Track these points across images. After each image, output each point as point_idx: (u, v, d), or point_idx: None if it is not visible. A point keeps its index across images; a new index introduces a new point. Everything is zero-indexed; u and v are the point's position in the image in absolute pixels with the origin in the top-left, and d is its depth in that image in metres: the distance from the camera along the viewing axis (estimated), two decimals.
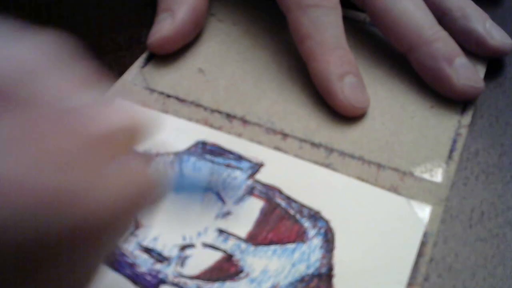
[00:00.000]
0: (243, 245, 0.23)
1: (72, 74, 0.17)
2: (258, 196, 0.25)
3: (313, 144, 0.27)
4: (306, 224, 0.24)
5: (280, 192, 0.25)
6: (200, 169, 0.26)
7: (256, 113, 0.28)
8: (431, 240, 0.24)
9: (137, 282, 0.22)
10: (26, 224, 0.14)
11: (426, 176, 0.26)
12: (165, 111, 0.29)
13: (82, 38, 0.32)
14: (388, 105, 0.29)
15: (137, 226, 0.24)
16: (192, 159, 0.26)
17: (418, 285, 0.22)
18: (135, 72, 0.31)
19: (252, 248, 0.23)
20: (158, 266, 0.23)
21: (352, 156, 0.27)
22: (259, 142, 0.27)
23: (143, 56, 0.32)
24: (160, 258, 0.23)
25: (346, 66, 0.28)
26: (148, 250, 0.23)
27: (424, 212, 0.24)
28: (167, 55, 0.31)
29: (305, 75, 0.30)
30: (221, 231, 0.24)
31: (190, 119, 0.28)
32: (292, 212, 0.24)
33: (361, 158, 0.26)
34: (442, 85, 0.29)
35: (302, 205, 0.25)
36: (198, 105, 0.29)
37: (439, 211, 0.25)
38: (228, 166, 0.26)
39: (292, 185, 0.25)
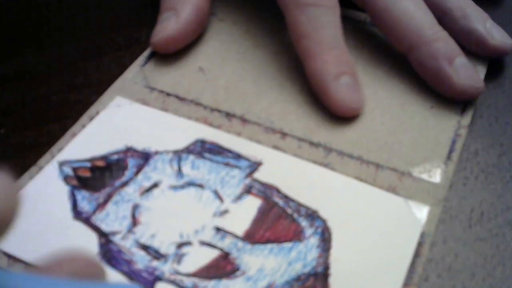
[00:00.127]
0: (240, 244, 0.23)
1: None
2: (256, 195, 0.25)
3: (312, 144, 0.27)
4: (303, 223, 0.24)
5: (278, 191, 0.25)
6: (199, 167, 0.26)
7: (256, 112, 0.28)
8: (428, 241, 0.24)
9: (133, 278, 0.22)
10: None
11: (425, 176, 0.26)
12: (165, 110, 0.29)
13: (82, 38, 0.33)
14: (388, 105, 0.29)
15: (135, 223, 0.24)
16: (191, 157, 0.26)
17: (414, 285, 0.22)
18: (135, 70, 0.31)
19: (249, 246, 0.23)
20: (155, 263, 0.23)
21: (350, 156, 0.27)
22: (258, 141, 0.27)
23: (144, 55, 0.32)
24: (157, 255, 0.23)
25: (342, 66, 0.28)
26: (145, 247, 0.23)
27: (421, 212, 0.24)
28: (168, 54, 0.31)
29: (304, 75, 0.30)
30: (218, 229, 0.24)
31: (189, 117, 0.28)
32: (289, 211, 0.24)
33: (359, 158, 0.26)
34: (442, 84, 0.29)
35: (300, 204, 0.25)
36: (197, 104, 0.29)
37: (437, 211, 0.25)
38: (226, 164, 0.26)
39: (290, 184, 0.25)
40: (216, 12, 0.34)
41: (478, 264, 0.23)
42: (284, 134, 0.27)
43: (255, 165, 0.26)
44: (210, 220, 0.24)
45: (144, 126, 0.28)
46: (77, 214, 0.24)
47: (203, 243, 0.23)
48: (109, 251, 0.23)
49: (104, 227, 0.24)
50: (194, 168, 0.26)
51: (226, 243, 0.23)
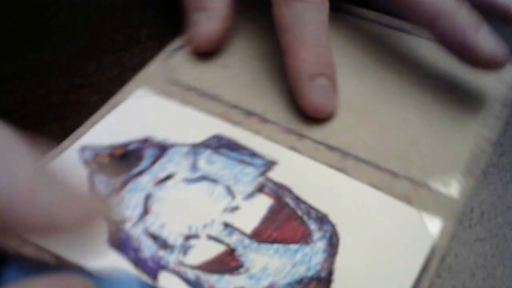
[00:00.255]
0: (247, 241, 0.23)
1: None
2: (268, 194, 0.25)
3: (329, 147, 0.27)
4: (312, 226, 0.24)
5: (290, 191, 0.25)
6: (214, 162, 0.26)
7: (275, 112, 0.28)
8: (438, 255, 0.23)
9: (139, 266, 0.22)
10: None
11: (442, 189, 0.25)
12: (186, 103, 0.29)
13: (82, 38, 0.33)
14: (411, 113, 0.29)
15: (146, 212, 0.24)
16: (207, 152, 0.27)
17: None
18: (160, 63, 0.31)
19: (255, 244, 0.23)
20: (161, 252, 0.23)
21: (367, 162, 0.26)
22: (275, 141, 0.27)
23: (170, 48, 0.32)
24: (164, 245, 0.23)
25: (320, 66, 0.28)
26: (153, 237, 0.23)
27: (434, 225, 0.24)
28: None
29: None
30: (226, 225, 0.24)
31: (209, 112, 0.28)
32: (299, 213, 0.24)
33: (376, 165, 0.26)
34: (468, 55, 0.28)
35: (311, 207, 0.24)
36: (218, 100, 0.29)
37: (450, 225, 0.24)
38: (241, 161, 0.26)
39: (302, 185, 0.25)
40: (249, 8, 0.34)
41: (478, 264, 0.23)
42: (301, 136, 0.27)
43: (269, 164, 0.26)
44: (220, 215, 0.24)
45: (163, 118, 0.28)
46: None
47: (211, 237, 0.23)
48: (118, 238, 0.23)
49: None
50: (209, 163, 0.26)
51: (233, 239, 0.23)
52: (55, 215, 0.16)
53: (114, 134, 0.27)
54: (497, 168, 0.27)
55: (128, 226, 0.24)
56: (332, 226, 0.24)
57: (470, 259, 0.23)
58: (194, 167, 0.26)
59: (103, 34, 0.33)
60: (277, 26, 0.29)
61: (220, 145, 0.27)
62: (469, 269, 0.23)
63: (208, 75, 0.30)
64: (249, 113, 0.28)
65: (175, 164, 0.26)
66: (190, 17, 0.31)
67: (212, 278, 0.22)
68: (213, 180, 0.25)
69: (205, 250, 0.23)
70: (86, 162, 0.26)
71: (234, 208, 0.24)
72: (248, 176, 0.26)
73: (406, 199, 0.25)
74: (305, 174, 0.26)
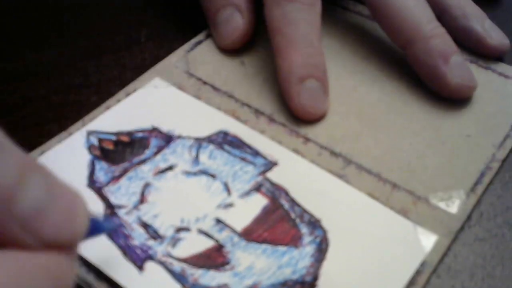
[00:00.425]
0: (236, 239, 0.23)
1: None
2: (264, 194, 0.25)
3: (333, 153, 0.27)
4: (304, 230, 0.24)
5: (286, 193, 0.25)
6: (216, 157, 0.26)
7: (284, 114, 0.28)
8: (428, 271, 0.23)
9: (127, 253, 0.23)
10: None
11: (442, 205, 0.25)
12: (198, 97, 0.29)
13: (82, 38, 0.33)
14: (422, 127, 0.28)
15: (142, 201, 0.25)
16: (211, 146, 0.27)
17: None
18: (180, 55, 0.32)
19: (244, 243, 0.23)
20: (151, 242, 0.23)
21: (369, 172, 0.26)
22: (280, 142, 0.27)
23: (192, 41, 0.32)
24: (155, 235, 0.23)
25: (310, 68, 0.28)
26: (145, 226, 0.24)
27: (428, 240, 0.23)
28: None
29: (338, 82, 0.30)
30: (218, 221, 0.24)
31: (219, 108, 0.29)
32: (293, 215, 0.24)
33: (377, 175, 0.26)
34: (436, 82, 0.28)
35: (305, 210, 0.24)
36: (230, 96, 0.29)
37: (445, 243, 0.23)
38: (243, 159, 0.26)
39: (299, 188, 0.25)
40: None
41: (477, 264, 0.23)
42: (307, 139, 0.27)
43: (270, 165, 0.26)
44: (213, 211, 0.24)
45: (173, 109, 0.28)
46: (92, 183, 0.25)
47: (201, 232, 0.24)
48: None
49: (113, 199, 0.25)
50: (211, 158, 0.26)
51: (223, 236, 0.23)
52: (35, 224, 0.16)
53: (123, 121, 0.28)
54: None
55: (122, 212, 0.24)
56: (324, 231, 0.24)
57: (470, 259, 0.23)
58: (195, 160, 0.26)
59: (103, 34, 0.33)
60: (268, 27, 0.29)
61: (224, 141, 0.27)
62: (468, 269, 0.23)
63: (223, 71, 0.31)
64: (258, 112, 0.28)
65: (178, 156, 0.26)
66: (215, 15, 0.31)
67: (197, 272, 0.22)
68: (212, 175, 0.26)
69: (194, 244, 0.23)
70: (90, 148, 0.27)
71: (229, 205, 0.25)
72: (247, 174, 0.26)
73: (403, 212, 0.24)
74: (304, 178, 0.25)
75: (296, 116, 0.28)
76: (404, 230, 0.24)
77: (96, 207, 0.24)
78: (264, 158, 0.26)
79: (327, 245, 0.23)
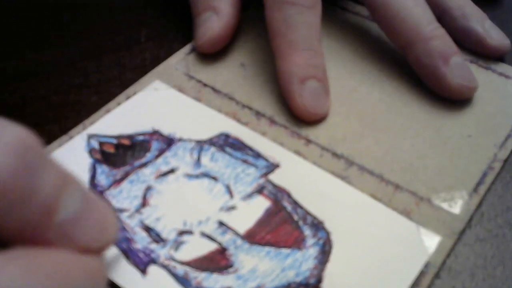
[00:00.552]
0: (239, 241, 0.23)
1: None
2: (267, 196, 0.25)
3: (334, 154, 0.27)
4: (307, 232, 0.24)
5: (288, 195, 0.25)
6: (217, 160, 0.26)
7: (286, 116, 0.28)
8: (432, 271, 0.23)
9: (130, 257, 0.23)
10: None
11: (444, 205, 0.25)
12: (199, 99, 0.29)
13: (82, 38, 0.33)
14: (423, 127, 0.28)
15: (144, 204, 0.25)
16: (212, 149, 0.27)
17: None
18: (180, 57, 0.31)
19: (247, 245, 0.23)
20: (153, 246, 0.23)
21: (371, 173, 0.26)
22: (281, 144, 0.27)
23: (192, 43, 0.32)
24: (157, 238, 0.23)
25: (311, 69, 0.28)
26: (148, 229, 0.24)
27: (432, 241, 0.23)
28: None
29: (338, 82, 0.30)
30: (221, 224, 0.24)
31: (220, 110, 0.29)
32: (296, 217, 0.24)
33: (379, 176, 0.26)
34: (436, 83, 0.28)
35: (307, 212, 0.24)
36: (231, 98, 0.29)
37: (448, 243, 0.23)
38: (244, 161, 0.26)
39: (302, 190, 0.25)
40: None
41: (478, 264, 0.23)
42: (308, 141, 0.27)
43: (272, 167, 0.26)
44: (216, 214, 0.24)
45: (174, 112, 0.28)
46: (93, 186, 0.25)
47: (204, 235, 0.23)
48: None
49: (115, 203, 0.25)
50: (212, 160, 0.26)
51: (226, 239, 0.23)
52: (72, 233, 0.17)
53: (124, 124, 0.28)
54: None
55: (124, 216, 0.24)
56: (327, 233, 0.24)
57: (470, 259, 0.23)
58: (197, 163, 0.26)
59: (103, 34, 0.33)
60: (269, 30, 0.29)
61: (226, 143, 0.27)
62: (469, 269, 0.23)
63: (224, 73, 0.31)
64: (259, 114, 0.28)
65: (179, 159, 0.26)
66: (196, 18, 0.31)
67: (200, 276, 0.22)
68: (214, 178, 0.25)
69: (196, 247, 0.23)
70: (91, 151, 0.26)
71: (231, 208, 0.24)
72: (249, 177, 0.26)
73: (406, 213, 0.24)
74: (306, 179, 0.25)
75: (298, 116, 0.28)
76: (407, 231, 0.24)
77: None
78: (266, 160, 0.26)
79: (330, 247, 0.23)
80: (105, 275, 0.18)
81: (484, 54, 0.31)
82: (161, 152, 0.27)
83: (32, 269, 0.15)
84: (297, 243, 0.23)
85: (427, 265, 0.23)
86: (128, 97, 0.29)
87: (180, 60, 0.31)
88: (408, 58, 0.29)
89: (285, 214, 0.24)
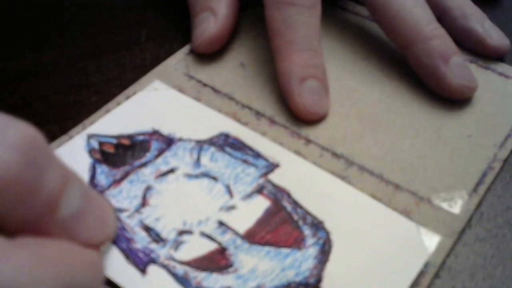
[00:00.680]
0: (239, 241, 0.23)
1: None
2: (266, 196, 0.25)
3: (334, 154, 0.27)
4: (307, 231, 0.24)
5: (288, 195, 0.25)
6: (217, 160, 0.26)
7: (286, 115, 0.28)
8: (432, 271, 0.23)
9: (129, 257, 0.23)
10: None
11: (444, 205, 0.25)
12: (198, 99, 0.29)
13: (82, 38, 0.33)
14: (423, 127, 0.28)
15: (144, 204, 0.25)
16: (212, 149, 0.27)
17: None
18: (180, 57, 0.31)
19: (246, 245, 0.23)
20: (153, 245, 0.23)
21: (371, 173, 0.26)
22: (281, 144, 0.27)
23: (191, 44, 0.32)
24: (157, 238, 0.23)
25: (310, 69, 0.28)
26: (147, 229, 0.24)
27: (431, 241, 0.23)
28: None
29: (338, 82, 0.30)
30: (221, 223, 0.24)
31: (220, 110, 0.29)
32: (295, 217, 0.24)
33: (379, 176, 0.26)
34: (436, 83, 0.29)
35: (307, 212, 0.24)
36: (231, 98, 0.29)
37: (448, 243, 0.23)
38: (244, 161, 0.26)
39: (302, 190, 0.25)
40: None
41: (478, 264, 0.23)
42: (308, 141, 0.27)
43: (272, 166, 0.26)
44: (216, 213, 0.24)
45: (174, 112, 0.28)
46: (93, 186, 0.25)
47: (204, 235, 0.23)
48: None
49: (115, 203, 0.25)
50: (212, 160, 0.26)
51: (226, 238, 0.23)
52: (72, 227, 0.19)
53: (123, 124, 0.28)
54: None
55: (124, 216, 0.24)
56: (327, 233, 0.24)
57: (470, 259, 0.23)
58: (196, 163, 0.26)
59: (103, 34, 0.33)
60: (268, 29, 0.29)
61: (226, 143, 0.27)
62: (469, 269, 0.23)
63: (224, 73, 0.31)
64: (259, 114, 0.28)
65: (179, 158, 0.26)
66: (194, 19, 0.31)
67: (200, 275, 0.22)
68: (214, 178, 0.25)
69: (196, 247, 0.23)
70: (91, 151, 0.26)
71: (231, 207, 0.24)
72: (249, 177, 0.26)
73: (406, 213, 0.24)
74: (306, 179, 0.25)
75: (298, 116, 0.28)
76: (407, 231, 0.24)
77: None
78: (266, 160, 0.26)
79: (330, 246, 0.23)
80: (104, 269, 0.19)
81: (484, 54, 0.31)
82: (161, 152, 0.27)
83: (39, 257, 0.16)
84: (297, 243, 0.23)
85: (427, 265, 0.23)
86: (128, 97, 0.29)
87: (180, 60, 0.31)
88: (408, 58, 0.29)
89: (285, 214, 0.24)
